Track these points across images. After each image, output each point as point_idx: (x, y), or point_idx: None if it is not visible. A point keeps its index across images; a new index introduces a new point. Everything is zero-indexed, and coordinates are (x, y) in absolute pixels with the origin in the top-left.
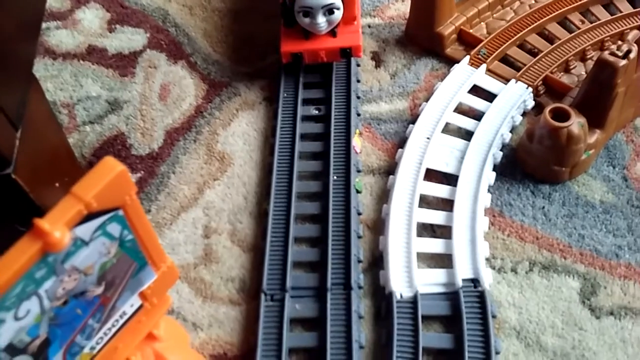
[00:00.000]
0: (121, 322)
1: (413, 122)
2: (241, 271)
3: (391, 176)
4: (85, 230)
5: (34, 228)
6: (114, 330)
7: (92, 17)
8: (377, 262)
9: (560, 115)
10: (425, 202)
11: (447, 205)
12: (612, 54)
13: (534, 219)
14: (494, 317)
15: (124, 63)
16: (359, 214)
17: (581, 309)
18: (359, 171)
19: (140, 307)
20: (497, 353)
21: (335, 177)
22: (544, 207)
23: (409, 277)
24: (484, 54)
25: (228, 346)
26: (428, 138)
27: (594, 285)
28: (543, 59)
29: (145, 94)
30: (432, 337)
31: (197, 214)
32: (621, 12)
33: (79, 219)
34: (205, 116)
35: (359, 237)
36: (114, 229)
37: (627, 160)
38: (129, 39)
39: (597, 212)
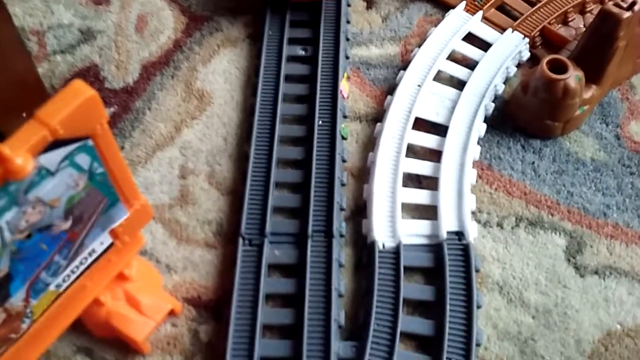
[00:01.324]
0: (90, 260)
1: (404, 68)
2: (219, 214)
3: (379, 124)
4: (50, 159)
5: None
6: (82, 268)
7: None
8: (360, 211)
9: (558, 67)
10: (413, 151)
11: (435, 156)
12: (616, 5)
13: (523, 174)
14: (477, 271)
15: None
16: (344, 161)
17: (566, 266)
18: (345, 117)
19: (111, 245)
20: (479, 307)
21: (320, 122)
22: (533, 163)
23: (392, 227)
24: (481, 0)
25: (202, 289)
26: (419, 86)
27: (580, 243)
28: (541, 9)
29: (120, 25)
30: (414, 289)
31: (174, 153)
32: None
33: (44, 146)
34: (184, 51)
35: (343, 184)
36: (83, 160)
37: (621, 119)
38: None
39: (588, 170)
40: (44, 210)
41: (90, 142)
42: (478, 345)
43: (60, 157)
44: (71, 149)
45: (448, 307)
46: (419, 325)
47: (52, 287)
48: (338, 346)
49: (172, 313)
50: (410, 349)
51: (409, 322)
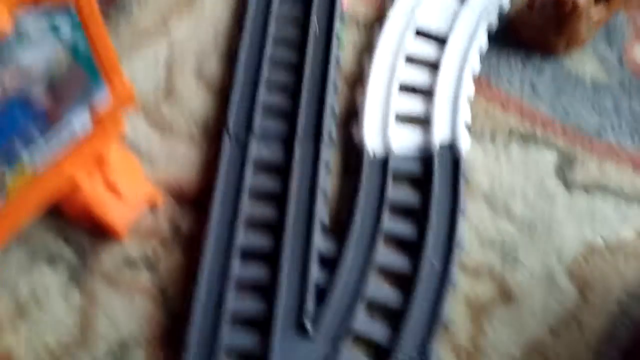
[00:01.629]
0: (68, 140)
1: None
2: (205, 110)
3: (377, 30)
4: (29, 23)
5: None
6: (59, 147)
7: None
8: (351, 117)
9: None
10: (410, 61)
11: (433, 66)
12: None
13: (520, 90)
14: (465, 181)
15: None
16: (338, 65)
17: (555, 182)
18: (342, 21)
19: (91, 127)
20: (463, 215)
21: (316, 25)
22: (532, 79)
23: (383, 134)
24: None
25: (184, 182)
26: None
27: (571, 160)
28: None
29: None
30: (401, 195)
31: (160, 47)
32: None
33: (24, 6)
34: None
35: (336, 89)
36: (65, 29)
37: (626, 41)
38: None
39: (587, 90)
40: (22, 81)
41: (73, 11)
42: (460, 249)
43: (41, 22)
44: (53, 15)
45: (433, 214)
46: (403, 228)
47: (27, 163)
48: (320, 242)
49: (152, 203)
50: (391, 249)
51: (392, 224)
